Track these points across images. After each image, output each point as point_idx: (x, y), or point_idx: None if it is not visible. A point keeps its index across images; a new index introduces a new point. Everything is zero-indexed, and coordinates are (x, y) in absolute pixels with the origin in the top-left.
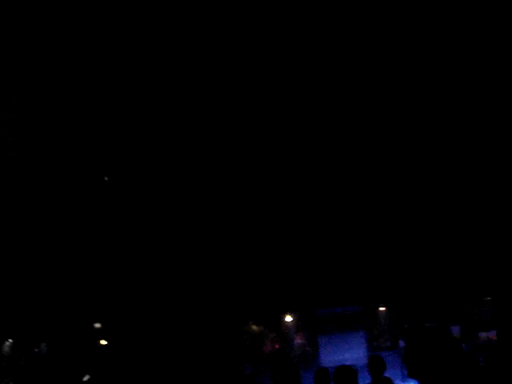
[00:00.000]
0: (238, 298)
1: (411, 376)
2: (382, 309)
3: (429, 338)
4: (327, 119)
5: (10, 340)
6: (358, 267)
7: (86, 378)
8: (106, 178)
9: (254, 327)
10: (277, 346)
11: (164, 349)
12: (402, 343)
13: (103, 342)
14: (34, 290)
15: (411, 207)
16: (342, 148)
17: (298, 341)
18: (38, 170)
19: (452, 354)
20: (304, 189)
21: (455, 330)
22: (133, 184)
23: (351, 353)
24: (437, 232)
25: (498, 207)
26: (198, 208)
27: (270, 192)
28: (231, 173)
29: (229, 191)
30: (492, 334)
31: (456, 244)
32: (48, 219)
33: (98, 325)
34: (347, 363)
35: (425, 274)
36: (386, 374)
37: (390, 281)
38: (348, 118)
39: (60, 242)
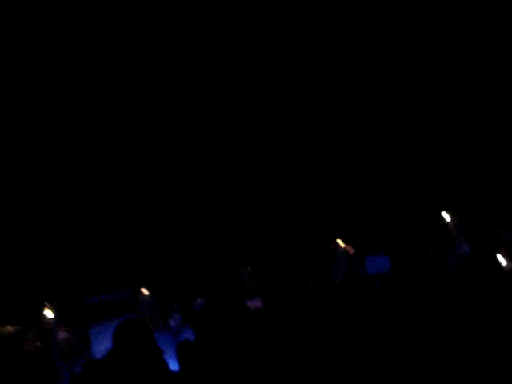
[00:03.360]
0: None
1: None
2: (145, 291)
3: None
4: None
5: None
6: (123, 252)
7: None
8: None
9: (9, 327)
10: (38, 345)
11: None
12: (172, 323)
13: None
14: None
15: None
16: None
17: (63, 335)
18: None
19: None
20: None
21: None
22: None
23: None
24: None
25: None
26: None
27: None
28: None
29: None
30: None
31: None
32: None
33: None
34: None
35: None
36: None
37: (156, 263)
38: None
39: None
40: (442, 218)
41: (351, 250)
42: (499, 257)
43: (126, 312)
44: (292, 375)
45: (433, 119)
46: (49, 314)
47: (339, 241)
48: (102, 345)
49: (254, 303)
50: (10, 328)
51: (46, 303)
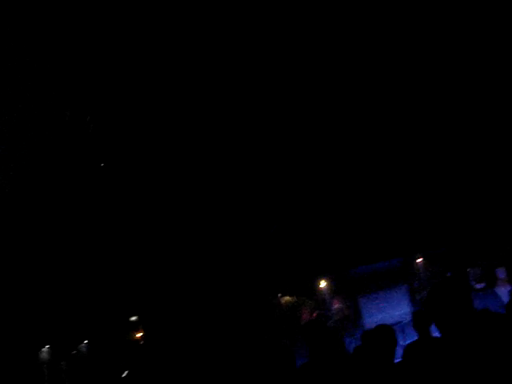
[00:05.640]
0: (266, 270)
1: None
2: (419, 260)
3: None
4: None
5: (47, 346)
6: (389, 218)
7: (124, 374)
8: (101, 164)
9: (287, 298)
10: (315, 315)
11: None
12: None
13: (139, 335)
14: (64, 295)
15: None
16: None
17: (336, 305)
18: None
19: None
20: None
21: (501, 273)
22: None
23: (395, 310)
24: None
25: None
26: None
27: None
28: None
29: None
30: None
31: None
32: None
33: (133, 318)
34: (392, 321)
35: (461, 217)
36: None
37: (426, 229)
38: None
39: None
40: None
41: None
42: None
43: (394, 282)
44: None
45: None
46: (323, 285)
47: None
48: (371, 314)
49: None
50: (290, 299)
51: (319, 275)
